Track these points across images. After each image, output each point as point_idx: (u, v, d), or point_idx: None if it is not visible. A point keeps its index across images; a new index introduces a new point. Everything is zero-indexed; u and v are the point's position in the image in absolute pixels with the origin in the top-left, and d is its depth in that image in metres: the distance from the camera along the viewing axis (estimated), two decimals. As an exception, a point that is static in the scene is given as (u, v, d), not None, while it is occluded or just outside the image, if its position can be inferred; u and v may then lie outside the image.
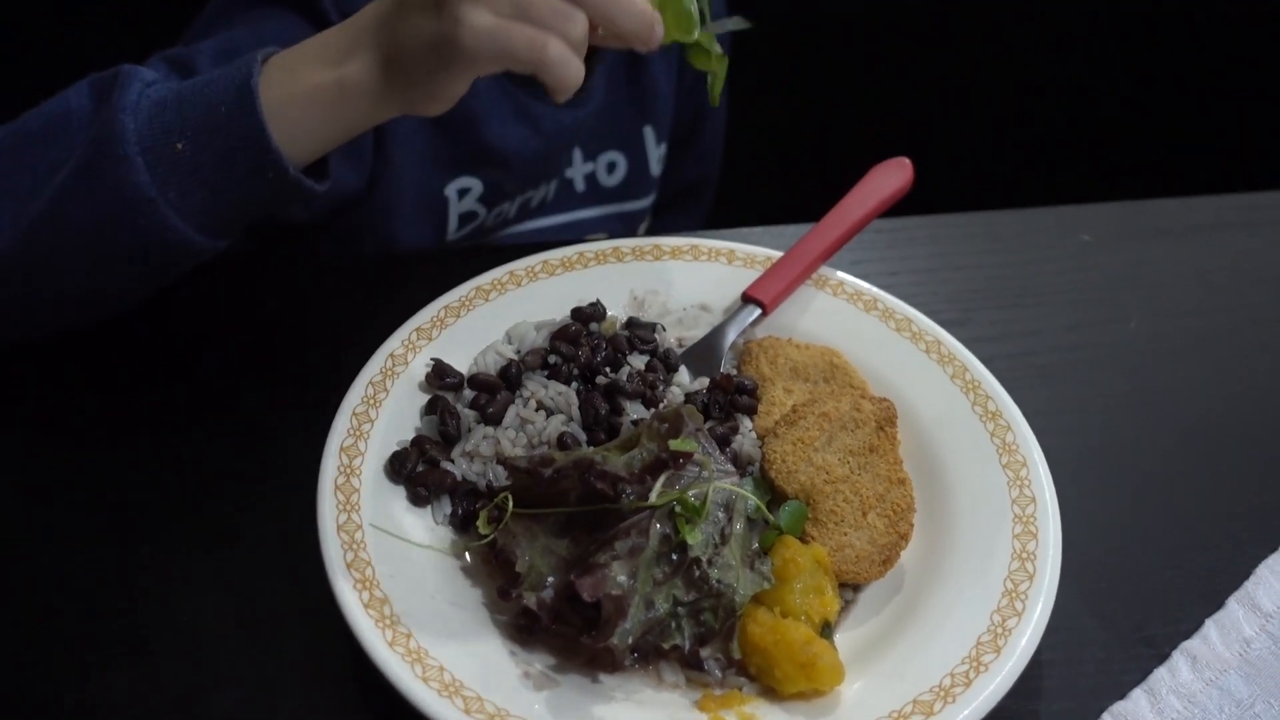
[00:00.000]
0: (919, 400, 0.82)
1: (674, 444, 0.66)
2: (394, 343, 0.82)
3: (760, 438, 0.79)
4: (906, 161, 0.97)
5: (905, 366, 0.85)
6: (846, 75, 1.66)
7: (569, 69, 0.69)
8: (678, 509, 0.66)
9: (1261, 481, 0.85)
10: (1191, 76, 1.75)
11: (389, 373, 0.80)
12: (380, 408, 0.78)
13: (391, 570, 0.67)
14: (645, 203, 1.31)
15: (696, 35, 0.77)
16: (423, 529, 0.72)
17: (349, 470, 0.73)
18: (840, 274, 0.93)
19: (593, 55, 0.82)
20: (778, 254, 0.93)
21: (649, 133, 1.25)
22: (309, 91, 0.72)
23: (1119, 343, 0.97)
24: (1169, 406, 0.91)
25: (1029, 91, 1.74)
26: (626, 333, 0.86)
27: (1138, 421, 0.89)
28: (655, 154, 1.28)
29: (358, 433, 0.75)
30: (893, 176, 0.96)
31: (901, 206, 0.98)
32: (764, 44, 1.52)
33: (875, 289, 0.91)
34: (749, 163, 1.54)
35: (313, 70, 0.73)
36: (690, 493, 0.67)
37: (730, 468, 0.73)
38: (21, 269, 0.77)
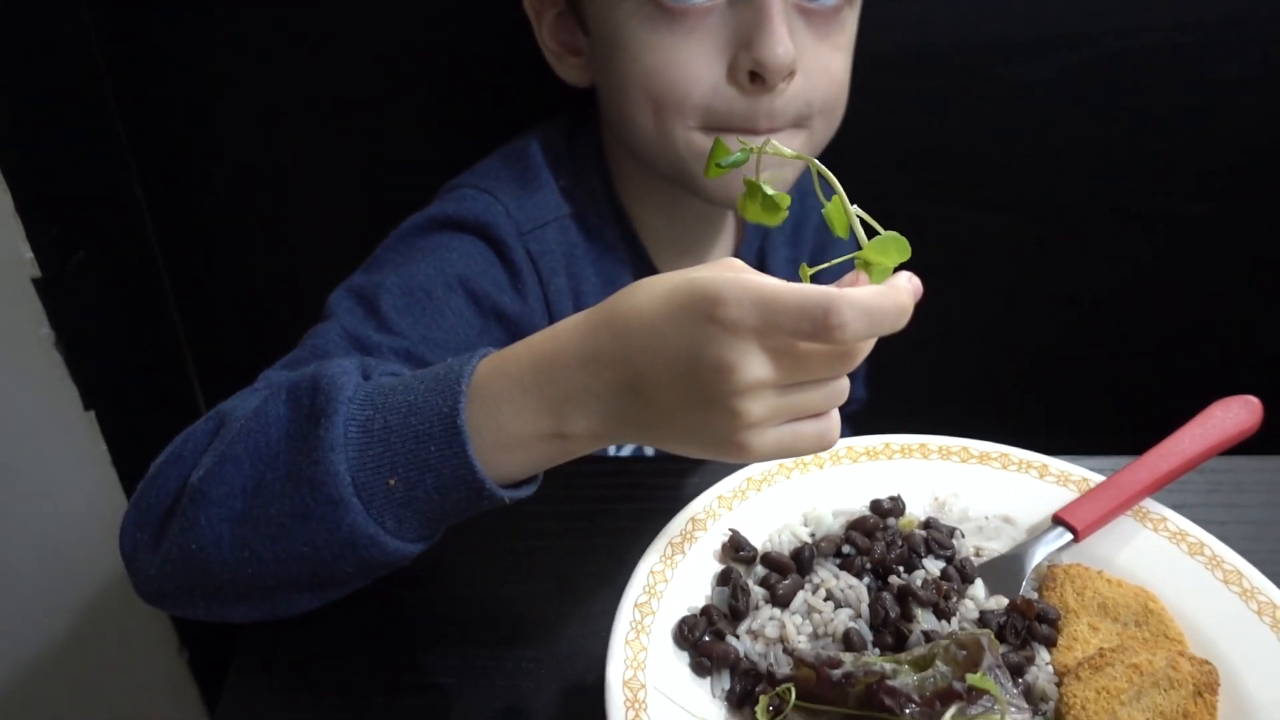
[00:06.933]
0: (1246, 668, 0.74)
1: (971, 679, 0.64)
2: (696, 506, 0.86)
3: (1058, 675, 0.75)
4: (1255, 401, 0.90)
5: (1231, 626, 0.78)
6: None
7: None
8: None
9: None
10: None
11: (688, 535, 0.83)
12: (675, 569, 0.81)
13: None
14: None
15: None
16: (700, 698, 0.74)
17: (639, 627, 0.76)
18: (1163, 508, 0.87)
19: None
20: (1095, 476, 0.89)
21: None
22: (526, 439, 0.70)
23: None
24: None
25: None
26: (924, 533, 0.85)
27: None
28: None
29: (652, 590, 0.79)
30: (1237, 415, 0.89)
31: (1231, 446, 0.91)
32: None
33: (1203, 531, 0.85)
34: (1066, 390, 1.48)
35: (526, 417, 0.70)
36: (979, 727, 0.64)
37: (1023, 703, 0.69)
38: (237, 584, 0.77)
